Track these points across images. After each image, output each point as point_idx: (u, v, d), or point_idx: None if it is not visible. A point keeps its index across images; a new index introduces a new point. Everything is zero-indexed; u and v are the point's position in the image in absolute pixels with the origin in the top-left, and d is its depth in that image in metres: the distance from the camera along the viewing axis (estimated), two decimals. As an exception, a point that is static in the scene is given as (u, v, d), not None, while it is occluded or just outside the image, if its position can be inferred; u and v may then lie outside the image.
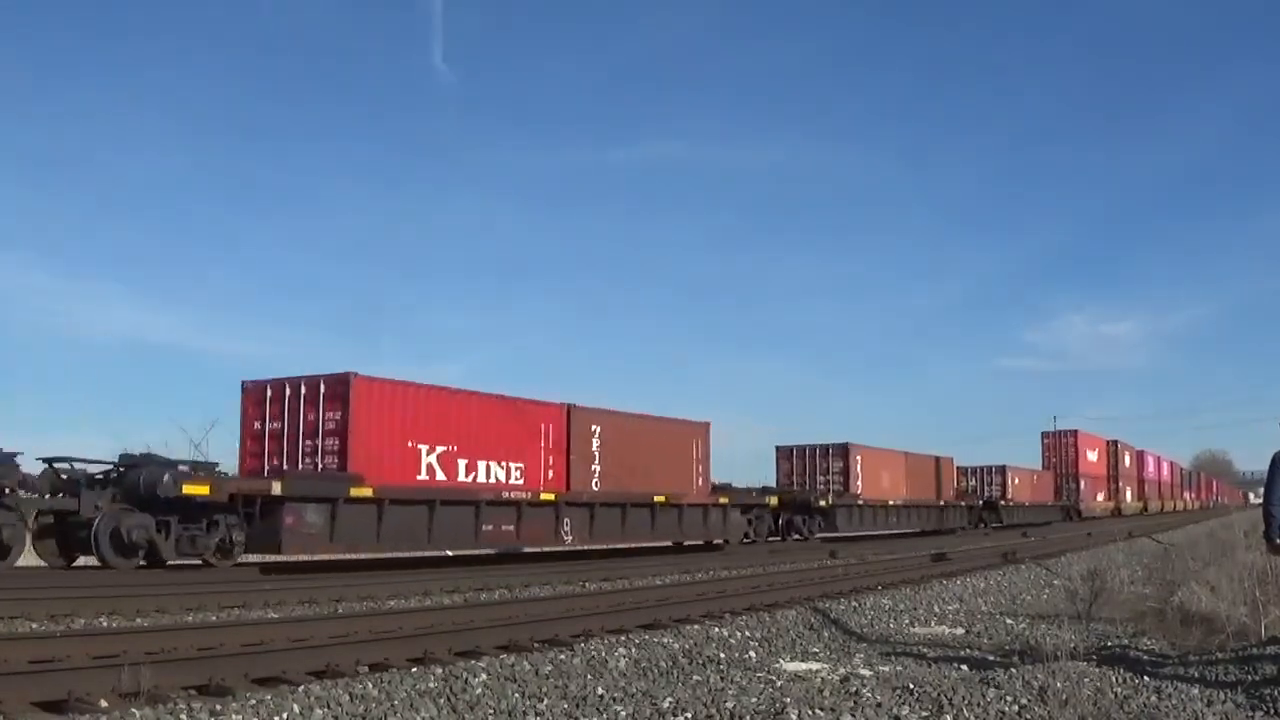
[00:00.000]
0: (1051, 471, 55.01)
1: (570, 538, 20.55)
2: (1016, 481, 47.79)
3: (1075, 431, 58.01)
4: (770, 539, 28.61)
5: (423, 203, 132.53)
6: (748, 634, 9.87)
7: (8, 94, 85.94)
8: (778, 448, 34.41)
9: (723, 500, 25.69)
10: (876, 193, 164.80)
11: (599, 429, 21.83)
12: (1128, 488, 65.73)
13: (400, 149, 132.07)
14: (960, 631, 10.96)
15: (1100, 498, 59.48)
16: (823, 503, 30.78)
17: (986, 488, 44.87)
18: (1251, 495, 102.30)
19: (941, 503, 39.35)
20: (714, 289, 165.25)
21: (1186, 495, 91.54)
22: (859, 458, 33.63)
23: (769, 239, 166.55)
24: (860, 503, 33.01)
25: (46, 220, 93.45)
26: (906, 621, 11.57)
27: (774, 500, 28.92)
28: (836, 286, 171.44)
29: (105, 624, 10.16)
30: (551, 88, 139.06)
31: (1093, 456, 59.66)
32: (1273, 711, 6.12)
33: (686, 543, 25.07)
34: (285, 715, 5.93)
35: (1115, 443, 64.41)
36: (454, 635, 8.84)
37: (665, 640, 9.19)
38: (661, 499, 22.90)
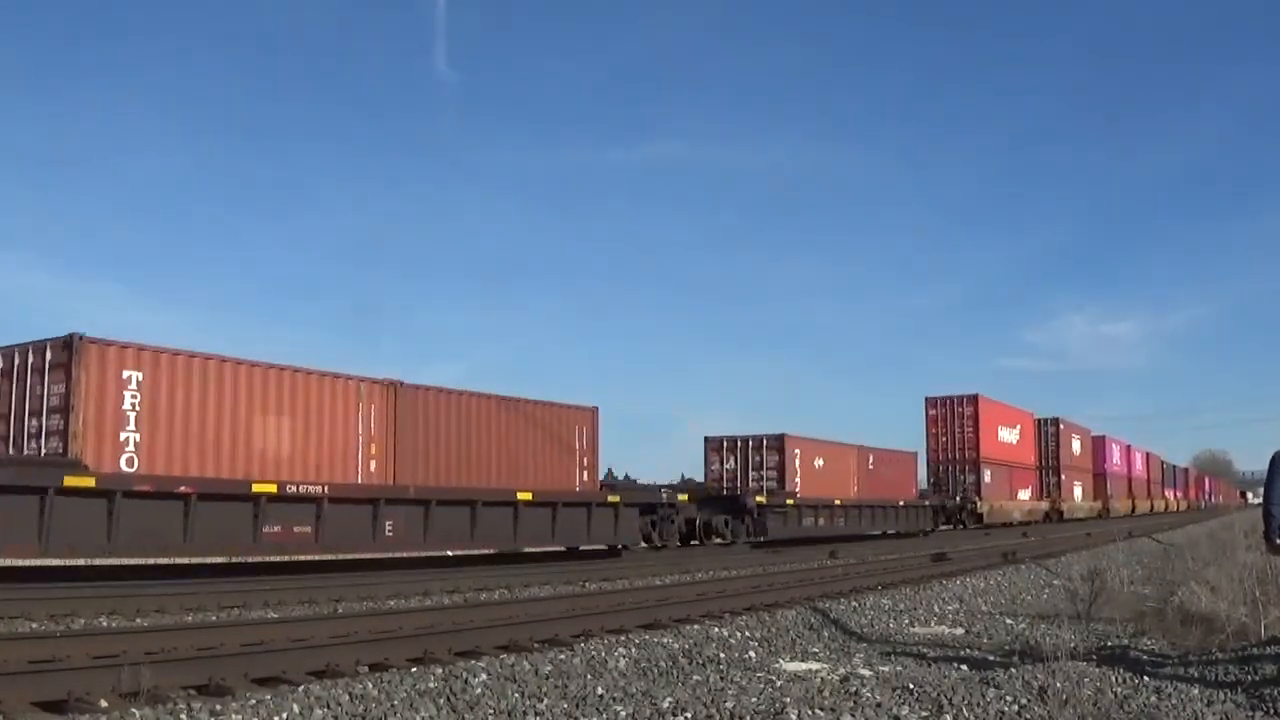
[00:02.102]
0: (935, 455, 40.66)
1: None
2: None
3: (976, 398, 40.89)
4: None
5: (423, 203, 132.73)
6: (747, 634, 9.87)
7: (8, 94, 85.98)
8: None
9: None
10: (876, 193, 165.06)
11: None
12: (1076, 483, 52.12)
13: (401, 149, 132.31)
14: (960, 631, 10.96)
15: (1025, 495, 45.38)
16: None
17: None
18: (1251, 495, 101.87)
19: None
20: (714, 289, 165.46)
21: (1170, 494, 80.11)
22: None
23: (769, 239, 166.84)
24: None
25: (46, 220, 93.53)
26: (906, 621, 11.57)
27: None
28: (836, 286, 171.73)
29: (105, 624, 10.17)
30: (552, 88, 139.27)
31: (1008, 437, 44.27)
32: (1273, 711, 6.11)
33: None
34: (285, 715, 5.93)
35: (1056, 422, 49.98)
36: (454, 635, 8.84)
37: (665, 640, 9.19)
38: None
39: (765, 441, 28.95)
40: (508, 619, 10.04)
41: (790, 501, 27.69)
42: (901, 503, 34.46)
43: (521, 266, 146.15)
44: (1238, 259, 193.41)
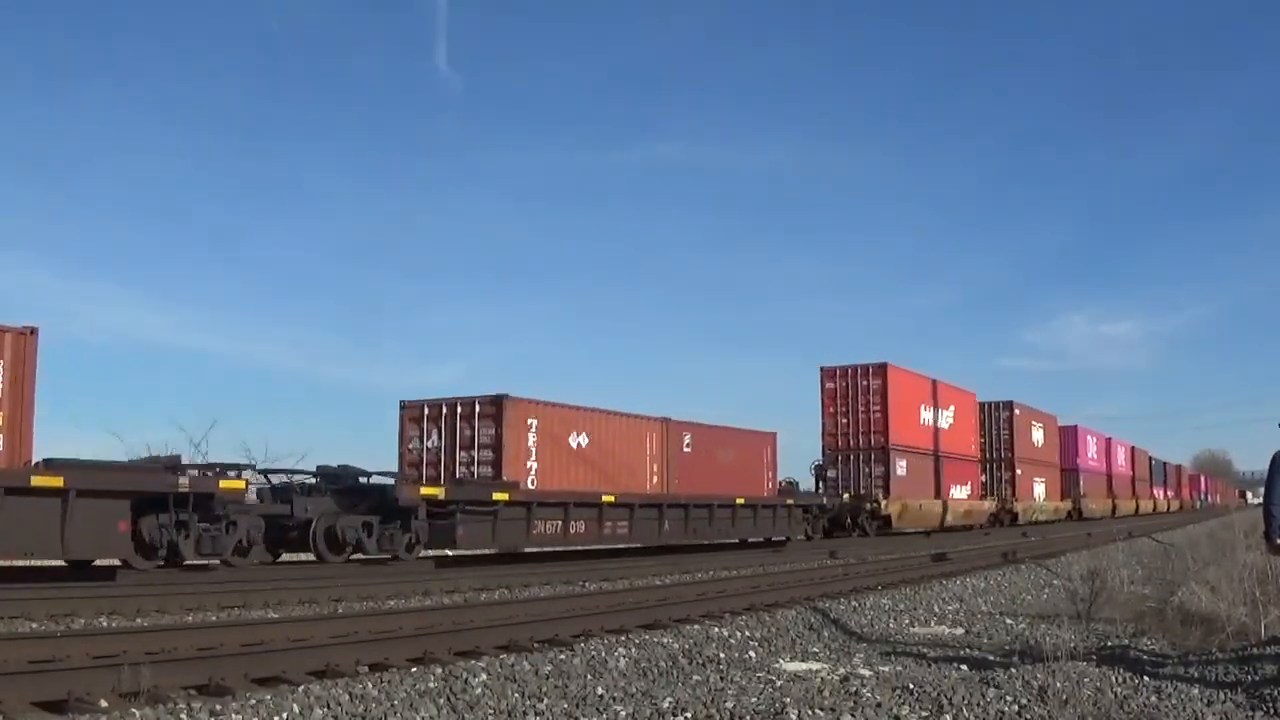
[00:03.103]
0: (833, 441, 31.54)
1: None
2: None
3: (885, 368, 31.43)
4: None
5: (424, 203, 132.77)
6: (747, 634, 9.87)
7: (8, 94, 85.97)
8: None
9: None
10: (876, 193, 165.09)
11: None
12: (1037, 479, 44.16)
13: (402, 149, 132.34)
14: (960, 631, 10.96)
15: (961, 492, 36.34)
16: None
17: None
18: (1251, 495, 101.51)
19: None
20: (714, 289, 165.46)
21: (1159, 493, 72.65)
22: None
23: (769, 239, 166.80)
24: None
25: (46, 220, 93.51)
26: (906, 621, 11.57)
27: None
28: (836, 286, 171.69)
29: (105, 624, 10.16)
30: (553, 88, 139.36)
31: (936, 420, 35.03)
32: (1273, 711, 6.12)
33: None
34: (285, 715, 5.93)
35: (1009, 406, 41.69)
36: (454, 635, 8.84)
37: (665, 640, 9.19)
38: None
39: (478, 407, 19.99)
40: (508, 619, 10.03)
41: (503, 496, 18.54)
42: (742, 501, 24.92)
43: (521, 266, 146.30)
44: (1238, 259, 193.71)
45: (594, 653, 8.36)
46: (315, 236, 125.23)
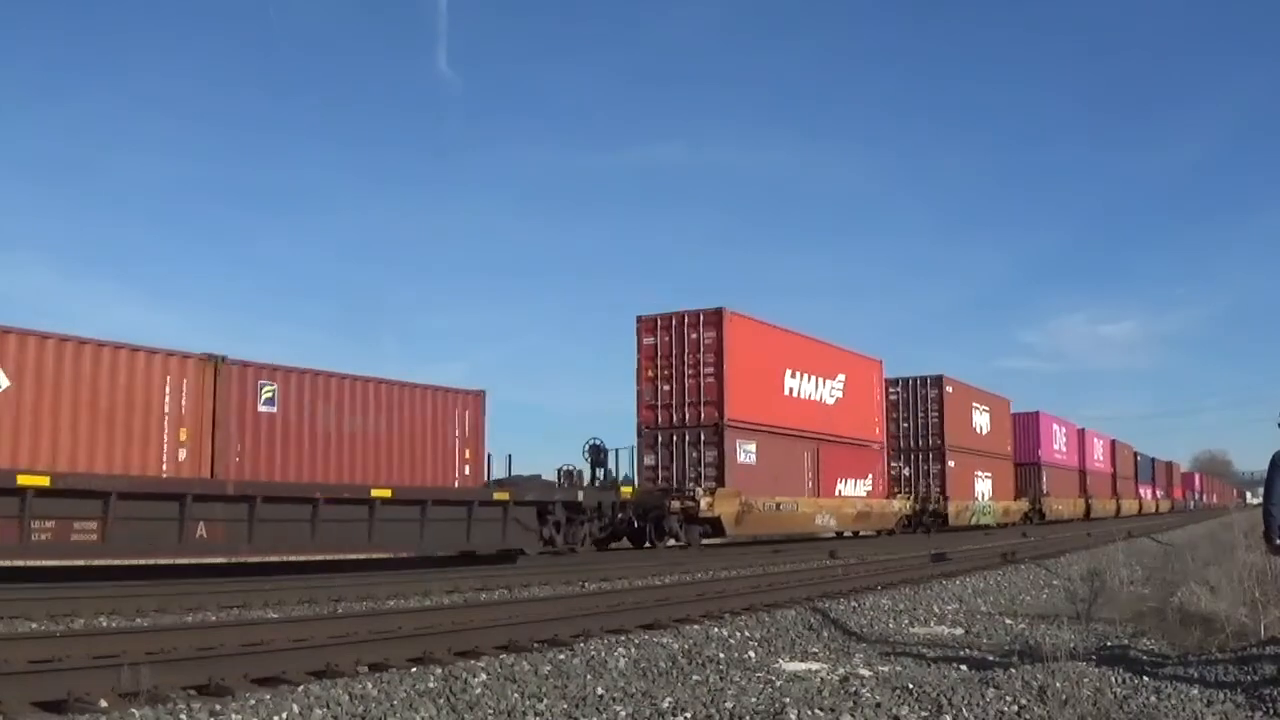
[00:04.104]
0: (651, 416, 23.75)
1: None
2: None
3: (720, 314, 23.27)
4: None
5: (424, 203, 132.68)
6: (747, 634, 9.87)
7: (9, 95, 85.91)
8: None
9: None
10: (877, 193, 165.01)
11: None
12: (981, 474, 36.33)
13: (402, 150, 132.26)
14: (960, 631, 10.96)
15: (851, 488, 28.45)
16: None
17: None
18: (1250, 495, 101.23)
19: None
20: (714, 289, 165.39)
21: (1145, 492, 66.61)
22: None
23: (769, 239, 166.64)
24: None
25: (46, 220, 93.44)
26: (906, 621, 11.57)
27: None
28: (836, 286, 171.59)
29: (105, 624, 10.16)
30: (553, 89, 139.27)
31: (815, 392, 26.79)
32: (1272, 712, 6.12)
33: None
34: (285, 715, 5.93)
35: (938, 381, 33.67)
36: (453, 635, 8.83)
37: (665, 640, 9.19)
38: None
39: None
40: (507, 619, 10.03)
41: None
42: (386, 494, 16.55)
43: (521, 266, 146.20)
44: (1237, 259, 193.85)
45: (593, 653, 8.36)
46: (315, 236, 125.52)
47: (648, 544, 22.30)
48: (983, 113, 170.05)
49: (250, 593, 12.41)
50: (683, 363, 23.45)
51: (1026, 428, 42.89)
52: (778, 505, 24.72)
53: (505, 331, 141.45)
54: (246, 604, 11.78)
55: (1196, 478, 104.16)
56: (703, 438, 23.17)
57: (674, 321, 23.73)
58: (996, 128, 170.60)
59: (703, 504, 22.34)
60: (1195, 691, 6.63)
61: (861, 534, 30.71)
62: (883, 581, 15.39)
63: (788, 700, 6.36)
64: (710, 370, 23.16)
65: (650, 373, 23.63)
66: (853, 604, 12.36)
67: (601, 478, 22.57)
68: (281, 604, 12.01)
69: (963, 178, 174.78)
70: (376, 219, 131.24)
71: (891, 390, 33.34)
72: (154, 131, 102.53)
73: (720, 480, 22.96)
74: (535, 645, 8.85)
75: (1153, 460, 72.79)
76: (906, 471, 33.29)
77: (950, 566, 18.86)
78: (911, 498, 32.77)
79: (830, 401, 28.10)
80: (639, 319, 24.34)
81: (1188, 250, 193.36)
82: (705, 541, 23.40)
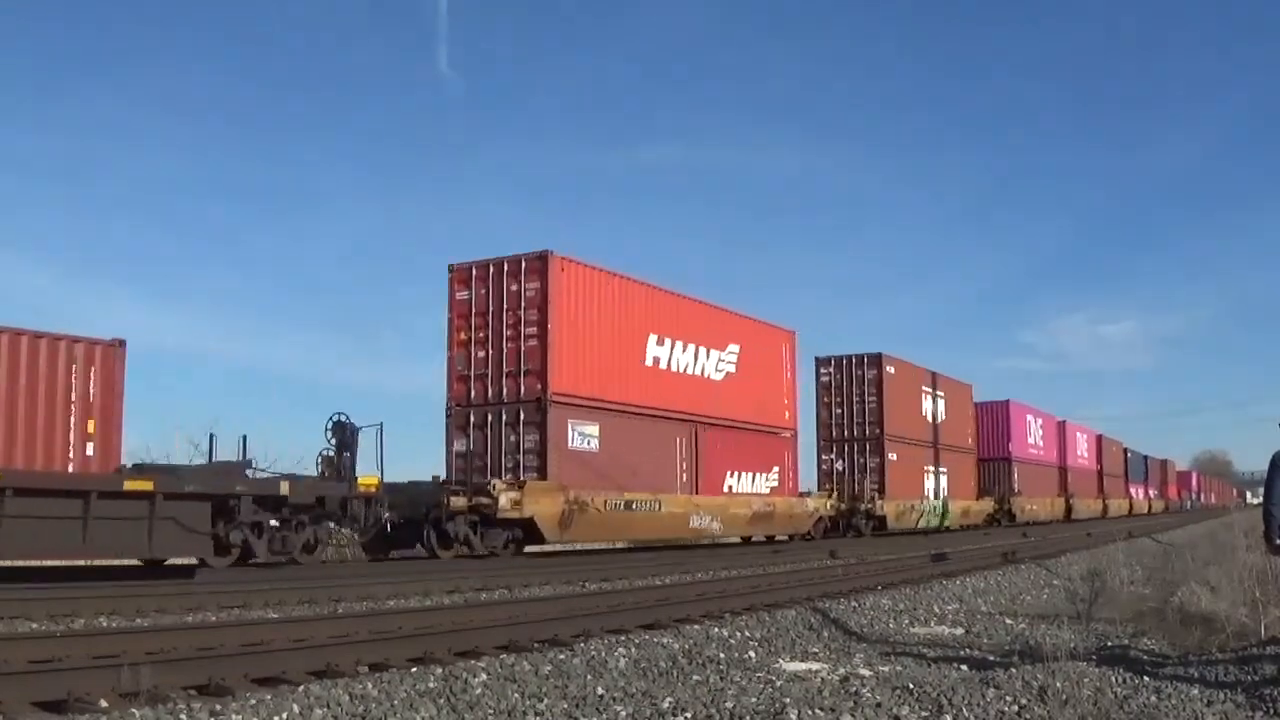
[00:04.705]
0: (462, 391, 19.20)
1: None
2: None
3: (545, 257, 18.55)
4: None
5: (425, 203, 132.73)
6: (747, 634, 9.87)
7: (9, 95, 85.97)
8: None
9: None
10: (877, 192, 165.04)
11: None
12: (936, 469, 32.30)
13: (403, 150, 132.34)
14: (960, 631, 10.96)
15: (760, 484, 24.32)
16: None
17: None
18: (1250, 495, 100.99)
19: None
20: (714, 289, 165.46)
21: (1137, 492, 62.40)
22: None
23: (769, 239, 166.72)
24: None
25: (46, 220, 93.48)
26: (906, 621, 11.57)
27: None
28: (836, 286, 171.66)
29: (105, 624, 10.15)
30: (553, 89, 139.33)
31: (666, 356, 21.45)
32: (1273, 712, 6.12)
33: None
34: (285, 715, 5.93)
35: (876, 361, 29.47)
36: (454, 635, 8.83)
37: (665, 640, 9.19)
38: None
39: None
40: (507, 619, 10.02)
41: None
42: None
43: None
44: (1237, 259, 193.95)
45: (594, 653, 8.35)
46: (316, 236, 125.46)
47: (427, 554, 17.57)
48: (983, 112, 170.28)
49: (250, 593, 12.41)
50: (501, 322, 18.74)
51: (994, 418, 38.37)
52: (628, 504, 19.53)
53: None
54: (246, 604, 11.78)
55: (1194, 477, 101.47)
56: (522, 416, 18.31)
57: (492, 270, 19.03)
58: (997, 127, 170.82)
59: (502, 501, 16.97)
60: (1195, 691, 6.63)
61: (776, 538, 25.58)
62: (883, 581, 15.39)
63: (788, 700, 6.36)
64: (533, 331, 18.44)
65: (463, 335, 18.89)
66: (853, 604, 12.35)
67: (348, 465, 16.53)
68: (282, 604, 12.00)
69: (963, 177, 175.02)
70: (377, 219, 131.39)
71: (823, 371, 29.54)
72: (154, 131, 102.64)
73: (543, 471, 18.12)
74: (535, 645, 8.84)
75: (1145, 458, 67.76)
76: (840, 465, 28.87)
77: (950, 566, 18.85)
78: (836, 495, 27.94)
79: (718, 377, 23.02)
80: (451, 268, 19.49)
81: (1188, 250, 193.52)
82: (529, 549, 18.66)
